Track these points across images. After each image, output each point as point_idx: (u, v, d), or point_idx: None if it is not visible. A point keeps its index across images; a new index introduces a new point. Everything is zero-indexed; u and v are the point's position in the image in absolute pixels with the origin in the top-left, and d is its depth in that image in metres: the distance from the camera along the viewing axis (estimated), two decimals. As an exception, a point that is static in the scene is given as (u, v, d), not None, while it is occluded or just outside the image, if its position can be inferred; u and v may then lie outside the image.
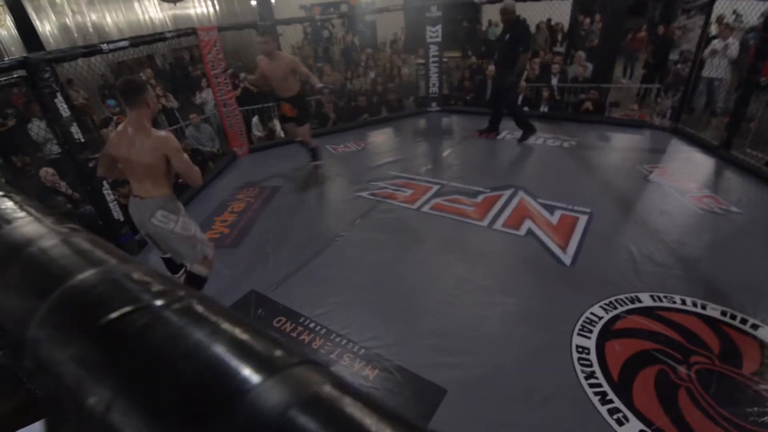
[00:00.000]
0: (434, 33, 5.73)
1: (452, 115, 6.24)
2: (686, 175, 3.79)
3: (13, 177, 4.64)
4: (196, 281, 2.46)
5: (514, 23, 4.35)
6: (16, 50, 8.16)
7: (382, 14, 6.92)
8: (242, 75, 6.62)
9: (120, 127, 2.22)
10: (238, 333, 0.15)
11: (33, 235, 0.27)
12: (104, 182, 3.23)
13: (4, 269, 0.24)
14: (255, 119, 6.12)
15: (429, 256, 3.00)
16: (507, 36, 4.45)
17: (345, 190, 4.15)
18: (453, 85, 7.12)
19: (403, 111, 6.51)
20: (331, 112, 6.28)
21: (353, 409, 0.13)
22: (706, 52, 5.89)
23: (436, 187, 3.96)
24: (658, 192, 3.55)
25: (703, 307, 2.33)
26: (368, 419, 0.12)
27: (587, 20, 8.05)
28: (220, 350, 0.15)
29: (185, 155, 2.20)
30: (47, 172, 4.05)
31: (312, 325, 2.47)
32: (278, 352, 0.14)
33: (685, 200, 3.38)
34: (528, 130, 4.86)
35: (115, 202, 3.32)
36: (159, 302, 0.18)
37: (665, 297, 2.42)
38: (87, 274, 0.20)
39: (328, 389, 0.13)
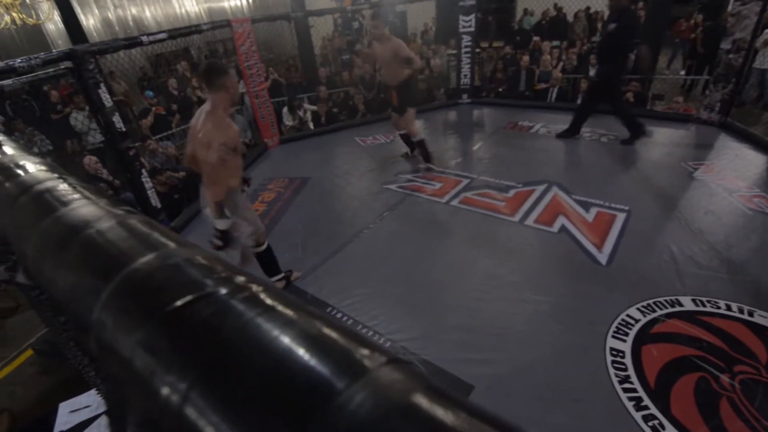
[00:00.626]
0: (467, 22, 5.60)
1: (484, 108, 6.11)
2: (735, 172, 3.56)
3: (62, 164, 4.89)
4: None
5: (623, 10, 3.88)
6: (63, 43, 8.56)
7: (413, 4, 6.81)
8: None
9: (198, 111, 2.18)
10: (317, 326, 0.14)
11: (90, 216, 0.27)
12: (143, 170, 3.35)
13: (64, 249, 0.24)
14: (285, 109, 6.20)
15: (457, 250, 2.96)
16: (613, 25, 3.97)
17: (373, 182, 4.14)
18: (485, 76, 6.95)
19: (434, 103, 6.42)
20: (361, 104, 6.27)
21: (450, 416, 0.11)
22: (760, 41, 5.50)
23: (465, 181, 3.90)
24: (704, 190, 3.36)
25: (750, 314, 2.19)
26: (469, 426, 0.11)
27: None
28: (296, 345, 0.13)
29: (226, 154, 2.02)
30: (90, 160, 4.24)
31: (339, 315, 2.49)
32: (363, 351, 0.13)
33: (733, 199, 3.18)
34: (636, 132, 4.29)
35: (152, 190, 3.44)
36: (223, 290, 0.17)
37: (709, 301, 2.29)
38: (147, 258, 0.20)
39: (419, 395, 0.12)
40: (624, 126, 4.35)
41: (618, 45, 3.98)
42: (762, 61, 5.69)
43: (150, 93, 5.81)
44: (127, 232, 0.24)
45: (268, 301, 0.16)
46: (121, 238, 0.23)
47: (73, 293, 0.21)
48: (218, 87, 2.02)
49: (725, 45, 4.16)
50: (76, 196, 0.32)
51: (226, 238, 2.22)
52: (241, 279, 0.18)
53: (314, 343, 0.13)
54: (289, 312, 0.15)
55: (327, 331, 0.14)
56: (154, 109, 5.65)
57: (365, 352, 0.13)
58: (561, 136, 4.66)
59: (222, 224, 2.18)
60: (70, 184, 0.35)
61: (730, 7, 4.29)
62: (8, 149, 0.49)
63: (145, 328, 0.16)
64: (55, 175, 0.39)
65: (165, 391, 0.14)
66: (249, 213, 2.44)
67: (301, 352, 0.13)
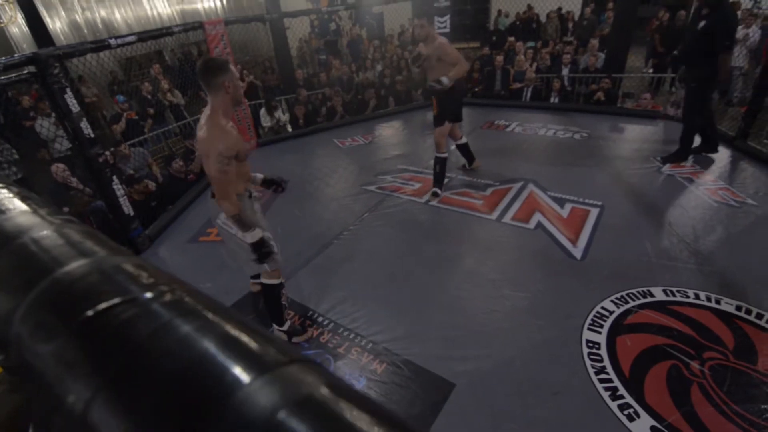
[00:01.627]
0: (442, 23, 5.66)
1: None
2: (701, 166, 3.71)
3: (29, 173, 4.70)
4: (269, 290, 2.21)
5: (715, 7, 3.25)
6: (27, 47, 8.24)
7: (389, 5, 6.84)
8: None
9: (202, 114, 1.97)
10: (229, 328, 0.14)
11: (26, 225, 0.26)
12: (114, 177, 3.25)
13: (-7, 261, 0.23)
14: (262, 110, 6.13)
15: (437, 249, 2.98)
16: (702, 23, 3.34)
17: (352, 183, 4.14)
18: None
19: (412, 103, 6.45)
20: (339, 106, 6.25)
21: (347, 412, 0.12)
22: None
23: (444, 180, 3.93)
24: (672, 184, 3.48)
25: (717, 302, 2.28)
26: (362, 423, 0.11)
27: (588, 9, 7.88)
28: (209, 346, 0.13)
29: (226, 164, 1.83)
30: (58, 168, 4.09)
31: (320, 319, 2.47)
32: (270, 350, 0.13)
33: (700, 192, 3.31)
34: (679, 154, 3.81)
35: (125, 197, 3.35)
36: (148, 294, 0.17)
37: (678, 291, 2.38)
38: (75, 265, 0.19)
39: (321, 390, 0.12)
40: (679, 140, 3.81)
41: (704, 48, 3.32)
42: (725, 59, 5.93)
43: (121, 98, 5.66)
44: (62, 240, 0.23)
45: (190, 305, 0.16)
46: (54, 246, 0.23)
47: (-4, 302, 0.20)
48: (217, 87, 1.80)
49: (688, 44, 4.31)
50: (17, 204, 0.31)
51: (261, 249, 2.03)
52: (167, 284, 0.18)
53: (226, 343, 0.14)
54: (208, 314, 0.15)
55: (240, 332, 0.14)
56: (125, 114, 5.50)
57: (273, 351, 0.13)
58: (668, 160, 3.86)
59: (251, 237, 2.00)
60: (13, 192, 0.34)
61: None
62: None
63: (60, 338, 0.16)
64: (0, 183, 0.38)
65: (70, 399, 0.13)
66: (263, 221, 2.26)
67: (213, 351, 0.13)
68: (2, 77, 2.65)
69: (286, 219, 3.62)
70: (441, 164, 3.57)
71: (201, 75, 1.82)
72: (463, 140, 3.87)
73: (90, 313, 0.15)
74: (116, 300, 0.16)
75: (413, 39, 8.84)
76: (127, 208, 3.35)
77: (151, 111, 5.97)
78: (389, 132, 5.57)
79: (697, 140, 3.87)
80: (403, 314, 2.43)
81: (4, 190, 0.35)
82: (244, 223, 1.97)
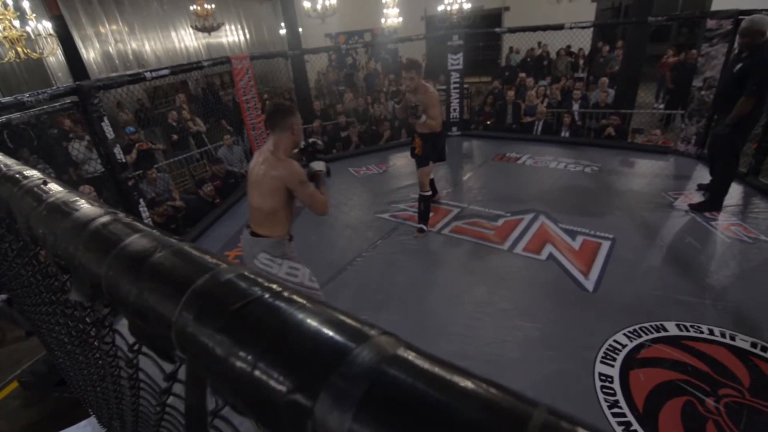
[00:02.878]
0: (455, 60, 5.90)
1: (473, 140, 6.33)
2: (713, 202, 3.72)
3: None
4: None
5: (755, 49, 3.06)
6: (63, 75, 8.77)
7: (404, 42, 7.16)
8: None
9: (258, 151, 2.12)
10: (332, 314, 0.22)
11: (149, 246, 0.34)
12: (141, 200, 3.42)
13: (138, 271, 0.32)
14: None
15: (448, 278, 3.03)
16: (738, 66, 3.15)
17: (366, 211, 4.24)
18: (474, 110, 7.24)
19: (424, 135, 6.63)
20: (354, 136, 6.47)
21: (423, 362, 0.19)
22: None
23: (456, 210, 4.01)
24: (684, 219, 3.50)
25: (732, 338, 2.27)
26: (437, 368, 0.19)
27: (606, 47, 8.12)
28: (322, 326, 0.21)
29: (311, 188, 2.00)
30: (87, 189, 4.30)
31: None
32: (365, 326, 0.21)
33: (712, 228, 3.32)
34: (712, 203, 3.57)
35: (149, 219, 3.49)
36: (267, 295, 0.25)
37: (692, 326, 2.37)
38: (205, 277, 0.28)
39: (402, 350, 0.19)
40: (709, 188, 3.67)
41: (737, 92, 3.13)
42: (734, 96, 6.03)
43: (131, 129, 5.87)
44: (184, 258, 0.32)
45: (300, 300, 0.24)
46: (180, 263, 0.31)
47: (155, 300, 0.28)
48: (282, 128, 1.95)
49: (697, 83, 4.44)
50: (130, 230, 0.40)
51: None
52: (277, 287, 0.26)
53: (334, 324, 0.21)
54: (314, 306, 0.23)
55: (342, 316, 0.22)
56: (137, 145, 5.69)
57: (366, 327, 0.21)
58: (697, 209, 3.60)
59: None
60: (119, 220, 0.43)
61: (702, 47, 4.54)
62: (54, 187, 0.57)
63: (218, 322, 0.23)
64: (103, 210, 0.47)
65: (238, 363, 0.21)
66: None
67: (326, 330, 0.21)
68: (47, 105, 2.87)
69: (301, 244, 3.70)
70: (425, 202, 3.58)
71: (270, 116, 1.99)
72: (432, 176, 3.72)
73: (237, 305, 0.23)
74: (249, 299, 0.24)
75: (426, 74, 9.18)
76: (150, 230, 3.49)
77: (175, 137, 6.24)
78: (402, 162, 5.71)
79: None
80: (415, 341, 2.42)
81: (113, 218, 0.44)
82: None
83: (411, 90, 3.26)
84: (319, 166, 2.14)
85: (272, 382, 0.19)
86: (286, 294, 0.25)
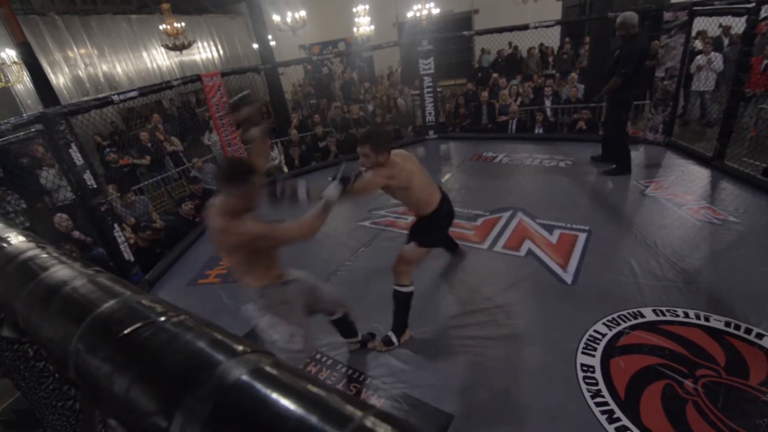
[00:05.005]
0: (427, 65, 5.97)
1: (449, 142, 6.41)
2: (682, 187, 3.85)
3: (36, 221, 4.81)
4: None
5: (628, 39, 3.80)
6: (32, 102, 8.59)
7: (377, 50, 7.24)
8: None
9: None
10: (214, 333, 0.23)
11: (67, 277, 0.35)
12: (115, 225, 3.36)
13: (48, 304, 0.32)
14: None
15: (430, 281, 3.04)
16: (617, 52, 3.94)
17: (347, 220, 4.25)
18: (449, 112, 7.34)
19: (402, 140, 6.68)
20: (333, 146, 6.48)
21: (286, 375, 0.20)
22: (694, 67, 6.07)
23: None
24: (656, 206, 3.60)
25: (707, 319, 2.33)
26: (299, 381, 0.20)
27: (568, 45, 8.35)
28: (202, 344, 0.22)
29: (272, 231, 1.76)
30: (61, 218, 4.20)
31: (318, 356, 2.50)
32: (237, 343, 0.22)
33: (683, 213, 3.42)
34: (623, 167, 4.23)
35: (125, 244, 3.43)
36: (161, 318, 0.26)
37: (668, 311, 2.43)
38: (110, 303, 0.28)
39: (269, 365, 0.21)
40: (603, 159, 4.42)
41: (614, 72, 3.90)
42: (698, 84, 6.26)
43: (107, 150, 5.80)
44: (96, 286, 0.33)
45: (189, 323, 0.25)
46: (91, 291, 0.32)
47: (56, 334, 0.29)
48: (231, 193, 1.72)
49: (659, 73, 4.59)
50: (54, 261, 0.40)
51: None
52: (172, 311, 0.27)
53: (212, 342, 0.22)
54: (199, 327, 0.24)
55: (220, 335, 0.23)
56: (120, 161, 5.64)
57: (238, 343, 0.22)
58: (612, 173, 4.30)
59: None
60: (48, 252, 0.44)
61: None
62: (-10, 223, 0.57)
63: (106, 349, 0.24)
64: (34, 244, 0.47)
65: (116, 387, 0.22)
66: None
67: (205, 348, 0.22)
68: (11, 136, 2.81)
69: (282, 255, 3.69)
70: (400, 301, 2.51)
71: (222, 175, 1.77)
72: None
73: (125, 331, 0.24)
74: (141, 323, 0.25)
75: (401, 79, 9.26)
76: (128, 255, 3.43)
77: (148, 159, 6.16)
78: (382, 168, 5.75)
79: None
80: (399, 347, 2.46)
81: (42, 251, 0.44)
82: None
83: (368, 169, 2.27)
84: (329, 190, 1.94)
85: (141, 404, 0.20)
86: (180, 317, 0.26)
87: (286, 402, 0.19)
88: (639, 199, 3.76)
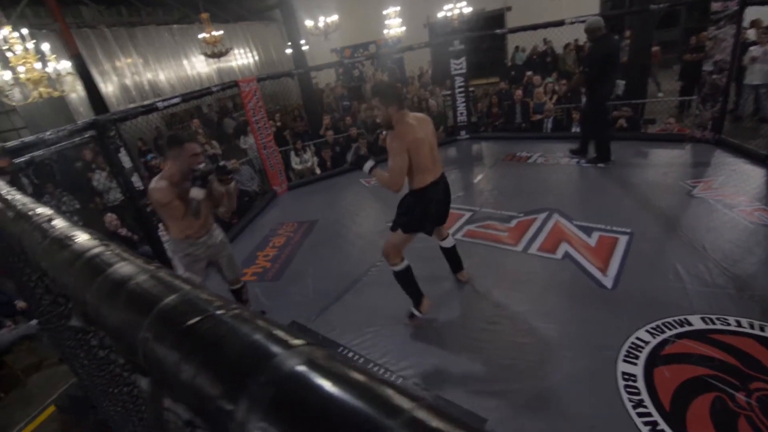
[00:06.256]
0: (458, 65, 5.92)
1: (482, 142, 6.31)
2: (734, 188, 3.61)
3: (88, 220, 5.16)
4: None
5: (595, 41, 4.22)
6: (84, 110, 9.19)
7: (408, 51, 7.25)
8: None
9: None
10: (269, 325, 0.25)
11: (132, 272, 0.38)
12: (159, 225, 3.53)
13: (116, 297, 0.35)
14: (292, 154, 6.53)
15: (463, 283, 3.01)
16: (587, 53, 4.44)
17: (379, 221, 4.27)
18: (482, 112, 7.24)
19: (433, 141, 6.65)
20: (364, 147, 6.54)
21: (338, 366, 0.21)
22: (747, 59, 5.69)
23: (468, 214, 4.00)
24: (704, 207, 3.40)
25: (762, 329, 2.18)
26: (351, 372, 0.21)
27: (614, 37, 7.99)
28: (259, 336, 0.24)
29: (172, 202, 2.29)
30: (111, 218, 4.48)
31: (351, 354, 2.53)
32: (291, 336, 0.23)
33: (734, 214, 3.21)
34: (602, 155, 4.59)
35: (168, 243, 3.61)
36: (219, 312, 0.28)
37: (718, 319, 2.29)
38: (173, 297, 0.31)
39: (321, 357, 0.22)
40: (596, 148, 4.68)
41: (590, 73, 4.31)
42: (751, 78, 5.86)
43: (149, 156, 6.13)
44: (158, 281, 0.35)
45: (245, 315, 0.26)
46: (154, 285, 0.34)
47: (125, 324, 0.31)
48: (166, 156, 2.36)
49: (707, 67, 4.33)
50: (117, 258, 0.43)
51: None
52: (228, 304, 0.29)
53: (269, 335, 0.24)
54: (254, 320, 0.26)
55: (276, 327, 0.25)
56: (159, 168, 5.94)
57: (291, 336, 0.24)
58: (593, 162, 4.71)
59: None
60: (111, 250, 0.47)
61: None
62: (58, 223, 0.62)
63: (172, 338, 0.26)
64: (98, 242, 0.51)
65: (183, 375, 0.24)
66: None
67: (262, 340, 0.24)
68: (67, 141, 3.02)
69: (317, 258, 3.77)
70: (402, 278, 2.62)
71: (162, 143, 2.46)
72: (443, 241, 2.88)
73: (190, 322, 0.26)
74: (201, 316, 0.27)
75: (432, 80, 9.22)
76: (170, 253, 3.60)
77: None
78: (413, 169, 5.75)
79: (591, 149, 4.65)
80: (431, 348, 2.45)
81: (106, 249, 0.48)
82: None
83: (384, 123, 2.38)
84: (193, 193, 2.31)
85: (207, 389, 0.22)
86: (235, 310, 0.28)
87: (338, 391, 0.20)
88: (685, 201, 3.56)
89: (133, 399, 0.47)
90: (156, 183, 2.29)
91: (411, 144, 2.28)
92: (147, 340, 0.27)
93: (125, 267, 0.39)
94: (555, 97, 6.68)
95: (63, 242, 0.53)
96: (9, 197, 0.91)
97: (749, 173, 3.82)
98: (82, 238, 0.53)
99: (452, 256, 2.95)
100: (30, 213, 0.72)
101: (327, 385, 0.20)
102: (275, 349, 0.22)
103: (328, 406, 0.19)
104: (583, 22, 5.02)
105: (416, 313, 2.65)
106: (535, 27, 5.51)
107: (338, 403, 0.19)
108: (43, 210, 0.71)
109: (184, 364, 0.24)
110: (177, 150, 2.28)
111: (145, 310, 0.30)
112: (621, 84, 6.15)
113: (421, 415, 0.18)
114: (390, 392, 0.20)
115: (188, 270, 2.60)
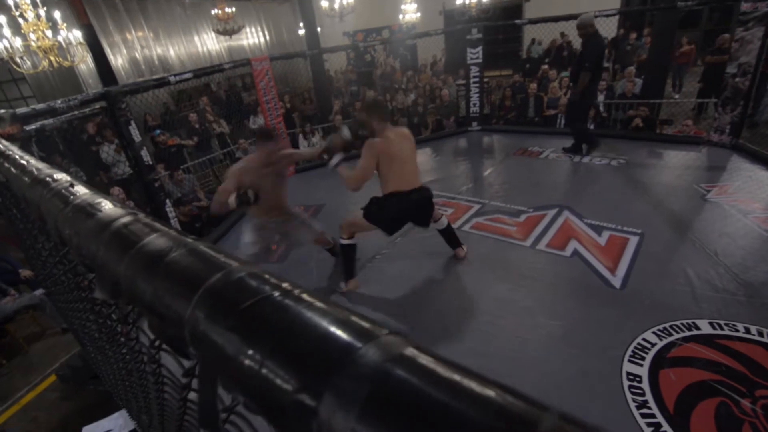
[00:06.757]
0: (475, 54, 5.81)
1: (493, 134, 6.23)
2: (749, 194, 3.55)
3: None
4: None
5: (587, 37, 4.30)
6: (93, 81, 9.11)
7: (422, 38, 7.12)
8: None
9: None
10: (340, 313, 0.22)
11: (167, 245, 0.35)
12: (167, 200, 3.52)
13: (153, 271, 0.32)
14: (300, 137, 6.46)
15: (470, 275, 2.99)
16: (580, 50, 4.50)
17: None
18: (494, 104, 7.13)
19: (444, 131, 6.58)
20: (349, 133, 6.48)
21: (429, 363, 0.19)
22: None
23: (477, 207, 3.96)
24: (718, 212, 3.35)
25: (771, 337, 2.16)
26: (443, 370, 0.18)
27: (633, 35, 7.82)
28: (329, 324, 0.21)
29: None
30: (117, 191, 4.46)
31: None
32: (373, 326, 0.21)
33: (748, 221, 3.17)
34: (576, 148, 4.91)
35: (175, 218, 3.60)
36: (276, 293, 0.25)
37: (726, 324, 2.27)
38: (219, 275, 0.28)
39: (410, 351, 0.19)
40: (573, 138, 4.95)
41: (579, 70, 4.45)
42: (774, 82, 5.72)
43: (157, 131, 6.07)
44: (199, 257, 0.32)
45: (308, 299, 0.24)
46: (195, 261, 0.32)
47: (167, 300, 0.29)
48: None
49: (731, 69, 4.23)
50: (148, 229, 0.41)
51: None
52: (286, 285, 0.26)
53: (341, 323, 0.21)
54: (322, 305, 0.23)
55: (349, 315, 0.22)
56: (168, 141, 5.89)
57: (375, 327, 0.21)
58: (566, 150, 5.02)
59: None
60: (139, 220, 0.44)
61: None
62: (80, 189, 0.59)
63: (228, 320, 0.24)
64: (125, 211, 0.48)
65: (247, 362, 0.21)
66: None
67: (332, 329, 0.21)
68: (77, 111, 2.99)
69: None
70: (346, 254, 2.97)
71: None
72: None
73: (246, 304, 0.24)
74: (259, 297, 0.24)
75: (445, 68, 9.08)
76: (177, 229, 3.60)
77: (195, 140, 6.40)
78: (422, 158, 5.67)
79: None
80: (434, 339, 2.44)
81: (136, 219, 0.45)
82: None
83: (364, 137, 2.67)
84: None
85: (279, 381, 0.19)
86: (296, 292, 0.25)
87: (437, 393, 0.17)
88: (699, 204, 3.51)
89: (157, 377, 0.45)
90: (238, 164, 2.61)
91: (381, 154, 2.56)
92: (197, 320, 0.25)
93: (160, 239, 0.36)
94: (570, 93, 6.56)
95: (87, 210, 0.50)
96: (24, 162, 0.88)
97: (766, 180, 3.76)
98: (107, 206, 0.50)
99: (448, 235, 3.14)
100: (48, 179, 0.69)
101: (423, 383, 0.17)
102: (356, 338, 0.19)
103: (430, 407, 0.16)
104: (606, 17, 4.93)
105: (343, 287, 2.97)
106: (556, 19, 5.39)
107: (442, 406, 0.16)
108: (62, 176, 0.68)
109: (247, 349, 0.21)
110: (265, 142, 2.56)
111: (192, 287, 0.27)
112: (638, 82, 6.03)
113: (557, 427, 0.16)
114: (514, 400, 0.17)
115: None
